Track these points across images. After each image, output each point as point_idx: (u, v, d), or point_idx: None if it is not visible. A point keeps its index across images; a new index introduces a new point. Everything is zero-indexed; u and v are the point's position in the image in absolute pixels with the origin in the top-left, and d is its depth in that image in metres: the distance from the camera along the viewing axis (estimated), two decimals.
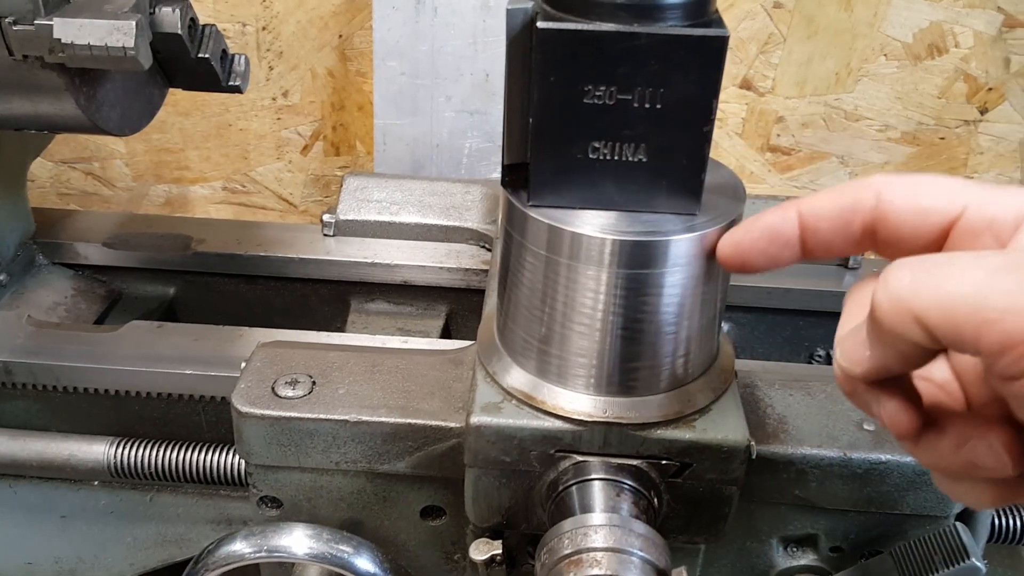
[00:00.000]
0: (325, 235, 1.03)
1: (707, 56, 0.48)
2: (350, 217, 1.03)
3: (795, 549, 0.71)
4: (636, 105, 0.49)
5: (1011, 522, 0.77)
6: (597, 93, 0.49)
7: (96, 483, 0.91)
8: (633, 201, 0.53)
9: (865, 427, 0.65)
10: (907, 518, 0.66)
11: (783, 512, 0.67)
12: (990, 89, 1.35)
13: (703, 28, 0.47)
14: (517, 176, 0.55)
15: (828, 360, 1.04)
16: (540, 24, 0.48)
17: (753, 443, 0.57)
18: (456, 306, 1.04)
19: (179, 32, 0.76)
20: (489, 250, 1.02)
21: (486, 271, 1.00)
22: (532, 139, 0.51)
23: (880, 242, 0.46)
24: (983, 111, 1.36)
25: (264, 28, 1.30)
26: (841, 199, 0.46)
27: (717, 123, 1.39)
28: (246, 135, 1.40)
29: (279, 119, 1.38)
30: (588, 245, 0.53)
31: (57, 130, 0.74)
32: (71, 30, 0.62)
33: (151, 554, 0.90)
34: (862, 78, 1.34)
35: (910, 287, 0.39)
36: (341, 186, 1.05)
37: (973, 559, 0.60)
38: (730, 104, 1.36)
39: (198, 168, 1.43)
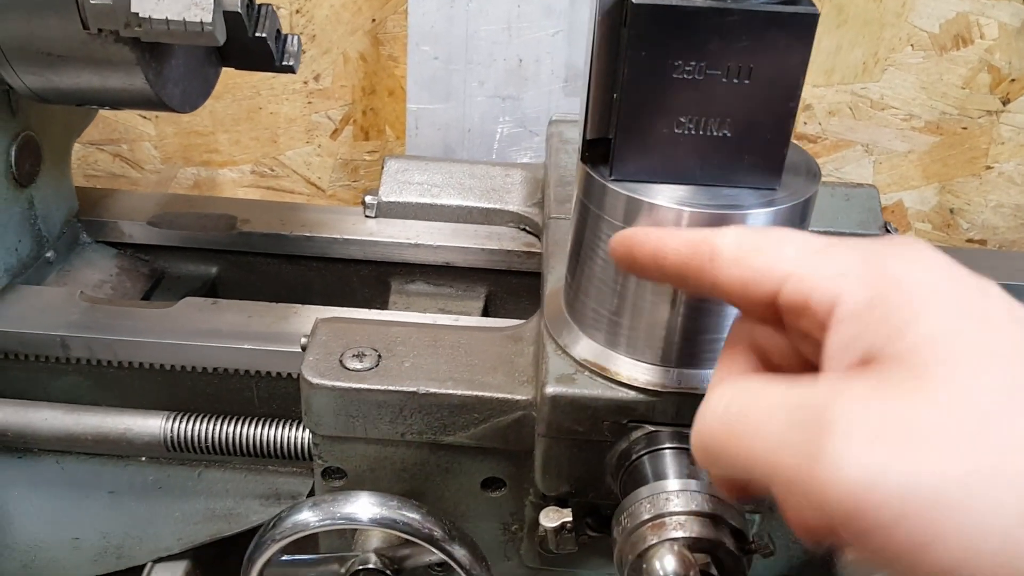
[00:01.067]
0: (367, 216, 1.04)
1: (797, 33, 0.49)
2: (391, 199, 1.04)
3: None
4: (724, 81, 0.50)
5: None
6: (687, 68, 0.50)
7: (144, 459, 0.92)
8: (714, 175, 0.54)
9: None
10: None
11: None
12: (1013, 80, 1.36)
13: (793, 5, 0.48)
14: (597, 151, 0.56)
15: None
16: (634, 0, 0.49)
17: None
18: (495, 287, 1.05)
19: (239, 10, 0.77)
20: (530, 232, 1.03)
21: (527, 253, 1.01)
22: (619, 114, 0.52)
23: (725, 296, 0.44)
24: (1005, 102, 1.38)
25: (298, 11, 1.30)
26: (687, 240, 0.45)
27: None
28: (276, 119, 1.40)
29: (310, 103, 1.39)
30: (665, 217, 0.54)
31: (120, 105, 0.75)
32: (149, 4, 0.62)
33: (200, 529, 0.91)
34: (889, 67, 1.35)
35: (716, 443, 0.40)
36: (382, 168, 1.06)
37: None
38: None
39: (227, 151, 1.44)
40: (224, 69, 0.88)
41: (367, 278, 1.05)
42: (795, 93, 0.51)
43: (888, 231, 1.03)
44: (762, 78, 0.50)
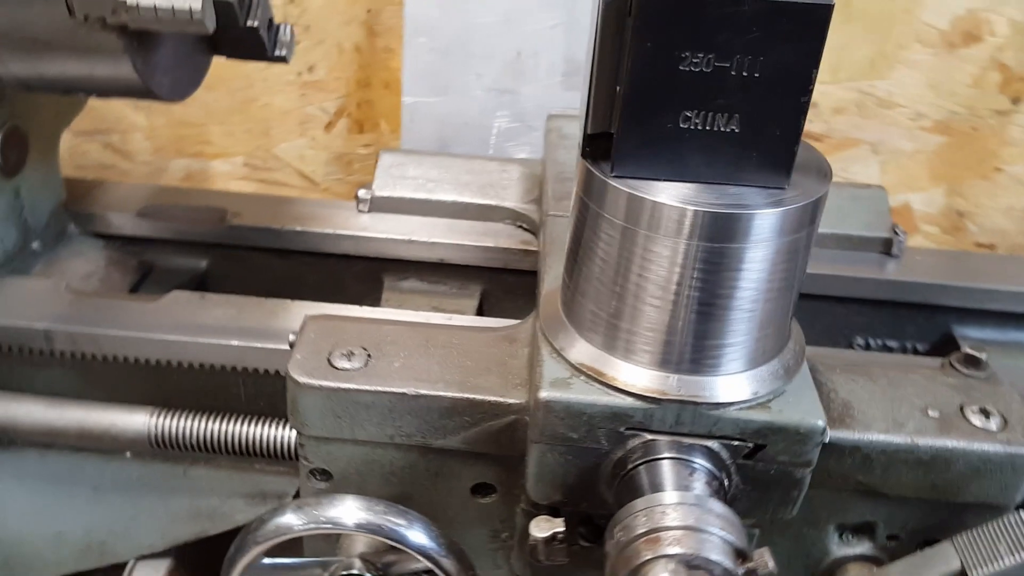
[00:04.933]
0: (360, 211, 1.01)
1: (810, 25, 0.46)
2: (385, 194, 1.02)
3: (851, 537, 0.70)
4: (734, 74, 0.48)
5: None
6: (694, 60, 0.48)
7: (128, 454, 0.90)
8: (720, 173, 0.52)
9: (930, 413, 0.64)
10: (967, 507, 0.65)
11: (843, 498, 0.66)
12: None
13: None
14: (598, 147, 0.53)
15: (867, 347, 1.03)
16: None
17: (828, 427, 0.56)
18: (490, 286, 1.03)
19: (231, 0, 0.74)
20: (527, 230, 1.01)
21: (523, 251, 0.99)
22: (622, 108, 0.50)
23: None
24: (1016, 101, 1.35)
25: (291, 1, 1.27)
26: None
27: None
28: (269, 111, 1.38)
29: (303, 95, 1.36)
30: (668, 215, 0.52)
31: (109, 94, 0.72)
32: None
33: (184, 527, 0.89)
34: (897, 64, 1.33)
35: None
36: (376, 162, 1.03)
37: None
38: None
39: (219, 143, 1.41)
40: (216, 60, 0.86)
41: (360, 274, 1.02)
42: (807, 87, 0.48)
43: (896, 233, 1.01)
44: (772, 71, 0.48)
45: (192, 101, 1.36)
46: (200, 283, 1.02)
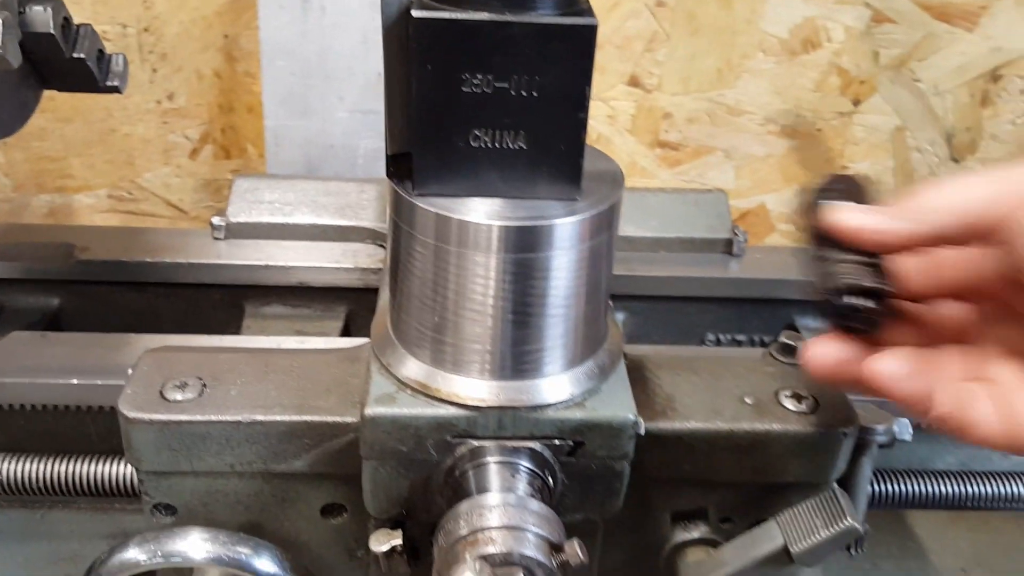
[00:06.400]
0: (215, 239, 1.01)
1: (578, 44, 0.49)
2: (241, 219, 1.02)
3: (687, 523, 0.73)
4: (513, 93, 0.50)
5: (890, 487, 0.82)
6: (475, 82, 0.50)
7: None
8: (516, 188, 0.54)
9: (746, 400, 0.68)
10: (790, 486, 0.69)
11: (675, 487, 0.70)
12: (862, 82, 1.42)
13: (573, 17, 0.49)
14: (401, 166, 0.55)
15: (718, 343, 1.08)
16: (415, 13, 0.48)
17: (640, 419, 0.59)
18: (355, 306, 1.03)
19: (51, 31, 0.73)
20: (386, 248, 1.02)
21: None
22: (413, 129, 0.52)
23: None
24: (856, 103, 1.44)
25: (146, 30, 1.26)
26: None
27: (608, 120, 1.43)
28: (131, 140, 1.35)
29: (165, 123, 1.34)
30: (475, 232, 0.54)
31: None
32: None
33: (44, 573, 0.87)
34: (743, 74, 1.39)
35: None
36: (231, 188, 1.03)
37: (851, 520, 0.63)
38: (620, 101, 1.40)
39: (82, 176, 1.38)
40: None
41: (219, 303, 1.02)
42: (583, 103, 0.51)
43: (736, 234, 1.06)
44: (549, 90, 0.50)
45: (50, 134, 1.34)
46: (52, 321, 1.00)
